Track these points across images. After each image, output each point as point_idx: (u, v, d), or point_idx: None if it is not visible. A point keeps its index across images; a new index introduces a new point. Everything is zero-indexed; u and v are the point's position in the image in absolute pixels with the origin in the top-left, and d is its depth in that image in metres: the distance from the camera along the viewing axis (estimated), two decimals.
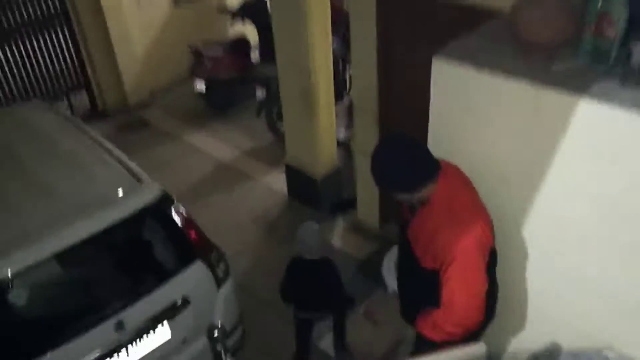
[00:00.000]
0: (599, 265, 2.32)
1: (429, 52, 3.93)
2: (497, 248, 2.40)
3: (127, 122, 7.52)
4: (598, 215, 2.23)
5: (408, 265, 2.31)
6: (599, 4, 2.09)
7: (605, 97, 2.01)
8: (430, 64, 3.94)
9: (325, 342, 4.27)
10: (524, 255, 2.59)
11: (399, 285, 2.54)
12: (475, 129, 2.42)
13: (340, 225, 5.48)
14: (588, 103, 2.03)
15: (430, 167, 2.19)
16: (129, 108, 7.67)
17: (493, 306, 2.42)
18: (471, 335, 2.24)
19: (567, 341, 2.63)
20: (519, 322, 2.76)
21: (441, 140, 2.56)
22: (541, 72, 2.21)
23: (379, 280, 4.76)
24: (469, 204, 2.20)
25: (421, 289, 2.22)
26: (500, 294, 2.62)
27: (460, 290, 2.12)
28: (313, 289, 3.76)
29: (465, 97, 2.38)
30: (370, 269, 4.93)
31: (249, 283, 4.86)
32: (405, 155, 2.17)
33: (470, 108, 2.39)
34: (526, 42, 2.27)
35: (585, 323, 2.50)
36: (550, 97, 2.12)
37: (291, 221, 5.62)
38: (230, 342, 3.61)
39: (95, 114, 7.68)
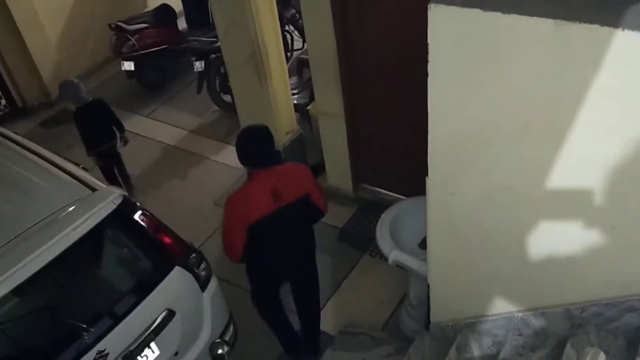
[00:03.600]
0: (635, 210, 2.12)
1: None
2: (527, 202, 2.41)
3: (52, 116, 6.84)
4: (633, 157, 2.02)
5: None
6: None
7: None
8: (400, 2, 3.74)
9: None
10: (548, 210, 2.37)
11: None
12: (487, 78, 2.13)
13: None
14: (627, 34, 1.76)
15: (249, 163, 3.24)
16: (51, 101, 6.95)
17: (266, 261, 3.46)
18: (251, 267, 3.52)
19: (600, 293, 2.48)
20: (551, 278, 2.58)
21: (445, 93, 2.26)
22: (558, 4, 1.92)
23: (362, 247, 4.59)
24: (253, 195, 3.22)
25: None
26: (527, 250, 2.54)
27: (223, 229, 3.30)
28: (97, 125, 5.05)
29: (473, 45, 2.07)
30: (352, 236, 4.70)
31: (227, 271, 4.52)
32: (254, 146, 3.20)
33: (480, 56, 2.09)
34: None
35: (618, 273, 2.34)
36: (577, 32, 1.84)
37: None
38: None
39: (15, 113, 6.93)
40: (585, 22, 1.82)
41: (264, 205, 3.17)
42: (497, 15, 1.95)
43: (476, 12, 1.98)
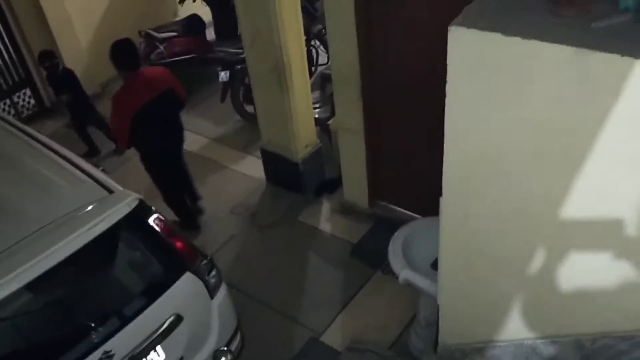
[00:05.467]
0: None
1: (420, 9, 3.72)
2: (532, 231, 2.34)
3: None
4: None
5: None
6: None
7: None
8: (423, 22, 3.76)
9: None
10: (563, 237, 2.34)
11: None
12: (504, 102, 2.13)
13: (326, 208, 5.19)
14: None
15: (127, 66, 4.35)
16: None
17: (151, 143, 4.63)
18: (143, 156, 4.76)
19: (613, 325, 2.43)
20: (563, 306, 2.54)
21: (462, 114, 2.26)
22: (581, 31, 1.92)
23: (375, 264, 4.56)
24: (135, 88, 4.32)
25: None
26: (541, 277, 2.52)
27: (112, 120, 4.57)
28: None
29: (491, 68, 2.07)
30: (365, 253, 4.68)
31: (238, 279, 4.55)
32: (122, 53, 4.34)
33: (498, 80, 2.09)
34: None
35: (632, 306, 2.29)
36: (597, 60, 1.83)
37: (272, 207, 5.32)
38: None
39: (42, 112, 7.11)
40: (605, 51, 1.81)
41: (145, 94, 4.29)
42: (517, 40, 1.95)
43: (496, 36, 1.98)
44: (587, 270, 2.42)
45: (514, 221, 2.48)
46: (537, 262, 2.53)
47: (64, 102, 5.98)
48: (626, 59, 1.79)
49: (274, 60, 4.53)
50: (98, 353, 2.80)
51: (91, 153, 6.22)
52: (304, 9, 5.35)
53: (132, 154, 6.22)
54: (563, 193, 2.24)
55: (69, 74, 5.90)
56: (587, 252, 2.38)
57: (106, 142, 6.37)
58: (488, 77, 2.12)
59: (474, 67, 2.12)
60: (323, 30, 6.48)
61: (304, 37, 4.61)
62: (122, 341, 2.89)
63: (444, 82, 2.23)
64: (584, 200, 2.22)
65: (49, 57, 5.72)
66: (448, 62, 2.14)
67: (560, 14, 2.00)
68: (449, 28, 2.07)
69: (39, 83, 6.97)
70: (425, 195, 3.43)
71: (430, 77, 3.17)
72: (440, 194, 2.62)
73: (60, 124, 6.88)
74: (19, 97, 6.95)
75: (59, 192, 3.18)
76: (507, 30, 1.98)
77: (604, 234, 2.26)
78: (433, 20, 3.55)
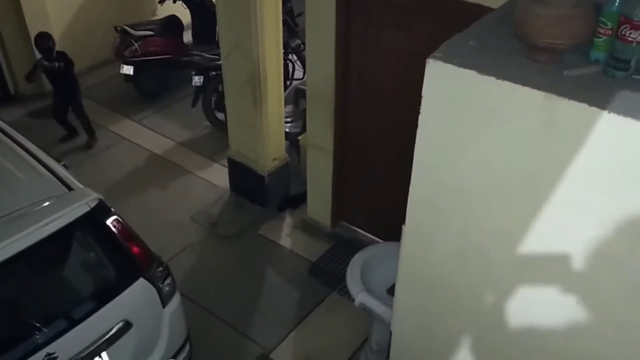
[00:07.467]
0: (604, 291, 2.14)
1: (399, 36, 3.78)
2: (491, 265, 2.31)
3: (42, 108, 6.78)
4: (607, 238, 2.04)
5: None
6: (620, 6, 1.88)
7: (631, 110, 1.80)
8: (400, 48, 3.82)
9: None
10: (521, 277, 2.38)
11: None
12: (473, 138, 2.16)
13: (288, 223, 5.16)
14: (612, 117, 1.81)
15: None
16: (45, 93, 6.91)
17: None
18: None
19: None
20: (514, 346, 2.57)
21: (432, 146, 2.29)
22: (552, 78, 1.97)
23: (332, 284, 4.56)
24: None
25: None
26: (494, 315, 2.53)
27: None
28: None
29: (464, 104, 2.11)
30: (323, 272, 4.68)
31: (192, 289, 4.47)
32: None
33: (469, 115, 2.13)
34: (533, 45, 2.02)
35: (587, 350, 2.34)
36: (565, 107, 1.89)
37: (233, 218, 5.26)
38: None
39: (6, 99, 6.90)
40: (574, 99, 1.87)
41: None
42: (491, 80, 1.99)
43: (471, 74, 2.02)
44: (541, 312, 2.46)
45: (472, 257, 2.50)
46: (493, 298, 2.56)
47: (56, 69, 5.75)
48: (593, 109, 1.85)
49: (250, 72, 4.52)
50: (41, 355, 2.70)
51: (70, 135, 6.29)
52: (285, 23, 5.38)
53: (98, 150, 6.17)
54: (521, 232, 2.28)
55: (63, 56, 5.77)
56: (541, 292, 2.42)
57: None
58: (460, 112, 2.16)
59: (448, 101, 2.16)
60: (301, 46, 6.50)
61: (282, 51, 4.62)
62: (67, 344, 2.80)
63: (418, 111, 2.26)
64: (542, 242, 2.26)
65: (46, 39, 5.65)
66: (423, 93, 2.17)
67: (535, 59, 2.06)
68: (427, 61, 2.10)
69: (5, 69, 6.78)
70: (388, 220, 3.46)
71: (405, 105, 3.22)
72: (403, 221, 2.64)
73: (24, 112, 6.70)
74: None
75: (15, 185, 3.07)
76: (482, 69, 2.02)
77: (559, 278, 2.31)
78: (411, 48, 3.62)
